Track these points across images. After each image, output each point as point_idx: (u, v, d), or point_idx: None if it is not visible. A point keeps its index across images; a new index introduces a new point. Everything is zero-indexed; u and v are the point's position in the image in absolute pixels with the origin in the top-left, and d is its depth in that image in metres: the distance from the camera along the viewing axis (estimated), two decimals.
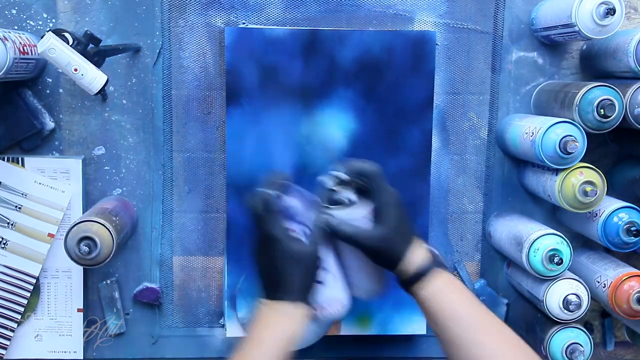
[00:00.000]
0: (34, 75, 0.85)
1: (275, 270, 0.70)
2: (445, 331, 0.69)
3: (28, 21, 0.86)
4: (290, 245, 0.70)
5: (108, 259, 0.78)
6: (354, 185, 0.74)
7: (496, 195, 0.94)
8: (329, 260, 0.76)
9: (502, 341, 0.68)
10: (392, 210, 0.72)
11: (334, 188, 0.74)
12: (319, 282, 0.74)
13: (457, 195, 0.94)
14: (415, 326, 0.92)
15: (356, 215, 0.73)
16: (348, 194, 0.74)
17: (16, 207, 0.87)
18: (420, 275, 0.70)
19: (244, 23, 0.89)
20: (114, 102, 0.88)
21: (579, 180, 0.80)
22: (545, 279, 0.84)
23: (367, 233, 0.72)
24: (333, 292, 0.76)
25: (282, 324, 0.69)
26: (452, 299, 0.69)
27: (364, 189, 0.74)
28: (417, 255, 0.71)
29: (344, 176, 0.74)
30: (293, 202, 0.75)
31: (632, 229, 0.80)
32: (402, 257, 0.71)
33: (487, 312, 0.70)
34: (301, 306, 0.70)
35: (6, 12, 0.86)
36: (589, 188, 0.80)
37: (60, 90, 0.88)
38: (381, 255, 0.72)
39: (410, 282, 0.71)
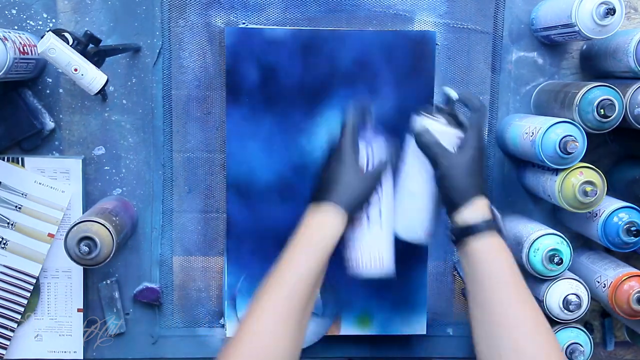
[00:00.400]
0: (34, 75, 0.85)
1: (332, 175, 0.73)
2: (481, 291, 0.69)
3: (28, 21, 0.86)
4: (354, 157, 0.74)
5: (108, 259, 0.78)
6: (452, 114, 0.77)
7: (496, 195, 0.94)
8: (382, 200, 0.77)
9: (532, 316, 0.67)
10: (477, 152, 0.73)
11: (438, 105, 0.78)
12: (367, 218, 0.77)
13: None
14: (415, 326, 0.92)
15: (444, 136, 0.75)
16: (445, 116, 0.77)
17: (16, 207, 0.87)
18: (475, 228, 0.70)
19: (244, 23, 0.89)
20: (114, 102, 0.88)
21: (579, 180, 0.80)
22: (545, 279, 0.84)
23: (446, 152, 0.74)
24: (376, 244, 0.77)
25: (326, 224, 0.71)
26: (499, 260, 0.69)
27: (459, 122, 0.76)
28: (479, 207, 0.71)
29: (454, 94, 0.77)
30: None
31: (632, 229, 0.80)
32: (466, 201, 0.71)
33: (526, 286, 0.70)
34: (343, 213, 0.72)
35: (6, 12, 0.86)
36: (589, 188, 0.80)
37: (60, 90, 0.88)
38: (448, 187, 0.73)
39: (463, 233, 0.71)
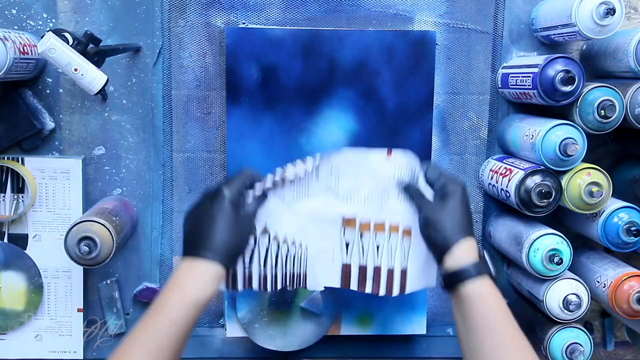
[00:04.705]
0: (34, 75, 0.85)
1: (200, 225, 0.68)
2: (473, 335, 0.67)
3: (28, 21, 0.86)
4: (222, 201, 0.68)
5: (108, 259, 0.78)
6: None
7: None
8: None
9: (527, 356, 0.66)
10: (458, 195, 0.72)
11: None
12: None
13: None
14: (415, 326, 0.92)
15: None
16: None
17: None
18: (464, 273, 0.69)
19: (244, 23, 0.89)
20: (114, 102, 0.88)
21: (584, 182, 0.80)
22: (545, 279, 0.84)
23: (427, 201, 0.73)
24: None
25: (191, 285, 0.65)
26: (490, 306, 0.68)
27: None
28: (466, 250, 0.70)
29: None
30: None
31: (632, 229, 0.80)
32: (452, 245, 0.70)
33: (519, 330, 0.68)
34: (216, 267, 0.66)
35: (6, 12, 0.86)
36: (594, 189, 0.80)
37: (60, 90, 0.88)
38: (432, 233, 0.71)
39: (452, 279, 0.70)
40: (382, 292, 0.78)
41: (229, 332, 0.91)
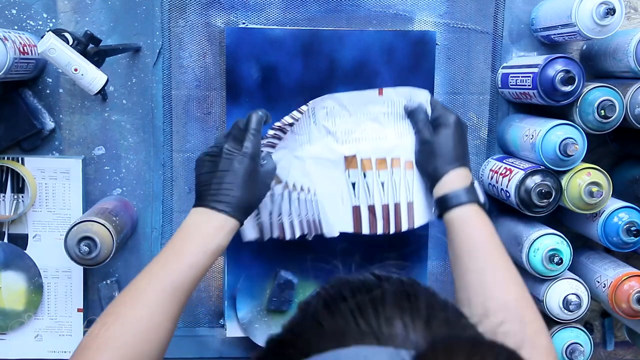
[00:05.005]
0: (34, 75, 0.85)
1: (221, 179, 0.69)
2: (460, 260, 0.70)
3: (28, 21, 0.86)
4: (244, 157, 0.70)
5: (108, 259, 0.78)
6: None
7: None
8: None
9: (509, 278, 0.68)
10: (456, 125, 0.75)
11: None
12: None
13: None
14: None
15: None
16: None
17: None
18: (454, 198, 0.71)
19: (244, 23, 0.89)
20: (114, 102, 0.88)
21: (584, 182, 0.80)
22: (545, 279, 0.84)
23: (423, 130, 0.76)
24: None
25: (212, 235, 0.67)
26: (475, 229, 0.71)
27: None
28: (457, 179, 0.73)
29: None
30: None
31: (632, 229, 0.80)
32: (443, 174, 0.73)
33: (504, 254, 0.70)
34: (233, 220, 0.69)
35: (6, 12, 0.86)
36: (594, 189, 0.80)
37: (60, 90, 0.88)
38: (426, 162, 0.75)
39: (443, 203, 0.72)
40: (392, 229, 0.80)
41: (229, 332, 0.91)
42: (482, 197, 0.73)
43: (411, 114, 0.78)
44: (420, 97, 0.79)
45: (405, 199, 0.79)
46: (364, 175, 0.79)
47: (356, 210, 0.80)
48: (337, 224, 0.80)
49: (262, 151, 0.73)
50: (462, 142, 0.75)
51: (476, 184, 0.74)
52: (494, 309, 0.63)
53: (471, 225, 0.71)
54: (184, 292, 0.65)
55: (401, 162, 0.78)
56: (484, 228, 0.71)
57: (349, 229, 0.80)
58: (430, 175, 0.75)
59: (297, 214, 0.79)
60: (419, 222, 0.80)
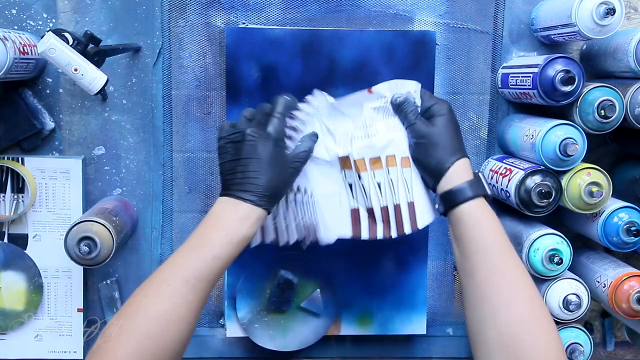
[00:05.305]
0: (34, 75, 0.85)
1: (247, 166, 0.67)
2: (468, 259, 0.67)
3: (28, 21, 0.86)
4: (269, 142, 0.68)
5: (108, 259, 0.78)
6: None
7: None
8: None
9: (519, 280, 0.65)
10: (448, 115, 0.72)
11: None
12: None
13: None
14: (415, 326, 0.92)
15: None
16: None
17: None
18: (459, 193, 0.68)
19: (244, 23, 0.89)
20: (114, 102, 0.88)
21: (584, 182, 0.80)
22: (545, 279, 0.84)
23: (416, 123, 0.72)
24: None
25: (238, 225, 0.66)
26: (484, 227, 0.67)
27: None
28: (462, 172, 0.69)
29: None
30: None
31: (632, 229, 0.80)
32: (447, 168, 0.69)
33: (512, 252, 0.67)
34: (260, 210, 0.67)
35: (6, 12, 0.86)
36: (594, 189, 0.80)
37: (60, 90, 0.88)
38: (425, 157, 0.71)
39: (447, 199, 0.69)
40: (393, 233, 0.76)
41: (229, 332, 0.91)
42: (488, 189, 0.71)
43: (399, 106, 0.74)
44: (409, 87, 0.75)
45: (405, 199, 0.75)
46: (359, 177, 0.75)
47: (354, 213, 0.77)
48: (335, 227, 0.77)
49: (288, 136, 0.71)
50: (459, 131, 0.72)
51: (481, 175, 0.71)
52: (507, 322, 0.63)
53: (480, 222, 0.68)
54: (207, 284, 0.64)
55: (397, 159, 0.74)
56: (493, 225, 0.68)
57: (348, 233, 0.77)
58: (432, 170, 0.71)
59: (294, 217, 0.76)
60: (422, 222, 0.75)
